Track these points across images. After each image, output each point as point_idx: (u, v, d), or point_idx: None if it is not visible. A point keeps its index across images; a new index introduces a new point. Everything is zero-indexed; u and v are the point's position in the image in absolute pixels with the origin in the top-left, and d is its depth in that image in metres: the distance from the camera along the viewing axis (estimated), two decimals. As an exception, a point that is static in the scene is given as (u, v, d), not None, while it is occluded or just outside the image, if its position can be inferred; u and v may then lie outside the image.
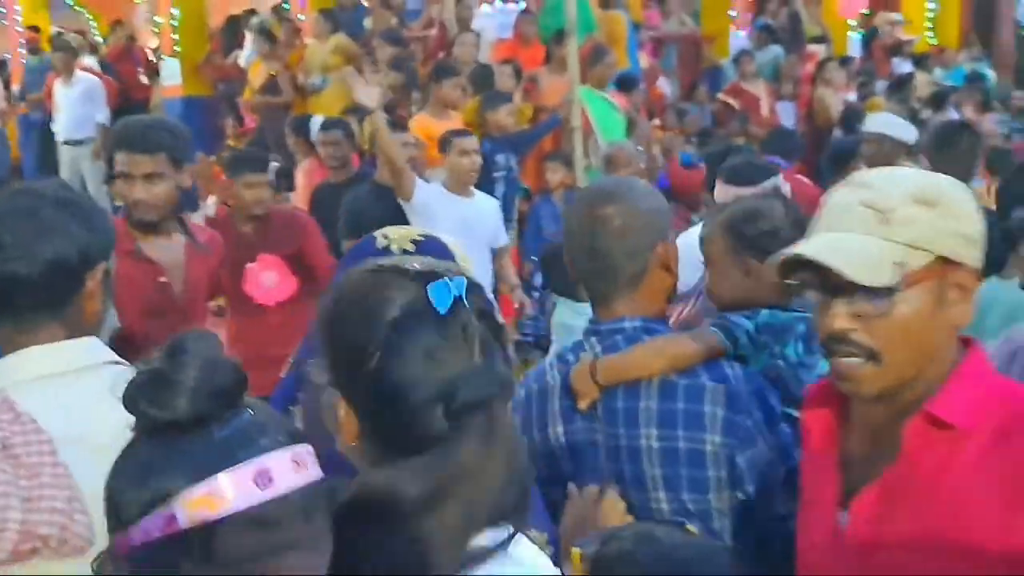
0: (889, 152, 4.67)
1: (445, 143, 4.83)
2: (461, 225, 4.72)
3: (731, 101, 8.64)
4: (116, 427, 1.24)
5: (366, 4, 9.26)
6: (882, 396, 1.29)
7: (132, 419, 0.96)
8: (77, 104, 9.10)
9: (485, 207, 4.98)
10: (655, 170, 7.42)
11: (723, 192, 3.11)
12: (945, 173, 1.37)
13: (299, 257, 3.94)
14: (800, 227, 1.57)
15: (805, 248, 1.28)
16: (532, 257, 5.84)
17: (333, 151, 5.48)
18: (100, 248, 1.49)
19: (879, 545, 1.29)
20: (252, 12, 10.41)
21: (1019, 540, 1.20)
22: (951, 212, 1.27)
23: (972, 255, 1.28)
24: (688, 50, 10.17)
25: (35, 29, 10.93)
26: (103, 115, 9.03)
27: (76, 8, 12.72)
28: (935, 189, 1.29)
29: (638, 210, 1.73)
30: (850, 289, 1.24)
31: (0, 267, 1.41)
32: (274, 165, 6.48)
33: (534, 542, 1.17)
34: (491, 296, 1.19)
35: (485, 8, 8.45)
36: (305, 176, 6.29)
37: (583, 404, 1.73)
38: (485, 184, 5.26)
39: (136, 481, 0.92)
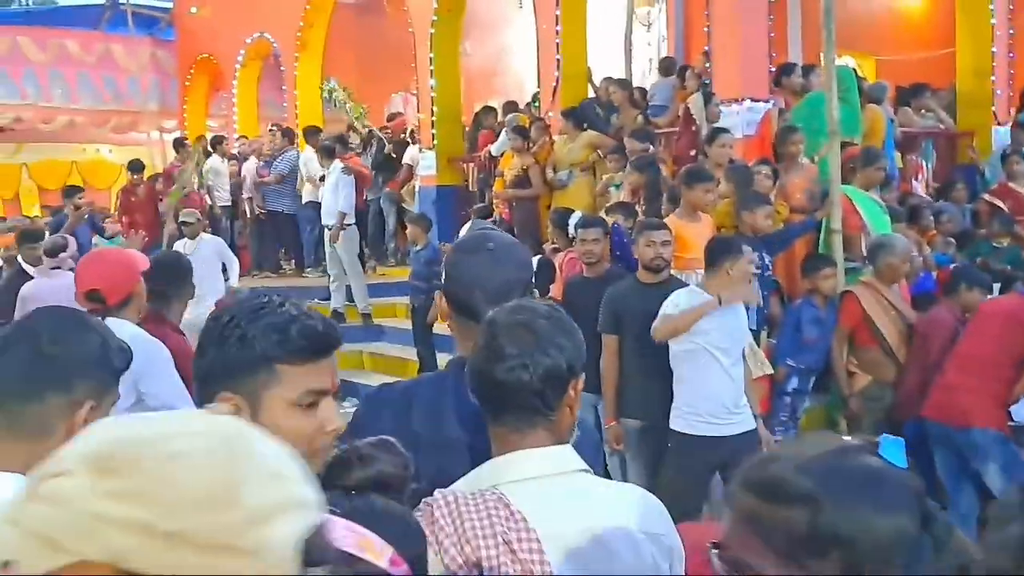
0: None
1: (733, 251, 4.80)
2: (723, 329, 4.70)
3: (997, 202, 8.13)
4: (583, 528, 1.52)
5: (614, 101, 9.50)
6: None
7: (596, 523, 1.30)
8: (329, 192, 9.87)
9: (739, 310, 4.93)
10: (916, 269, 7.12)
11: None
12: None
13: None
14: None
15: None
16: (788, 361, 5.70)
17: (592, 247, 5.63)
18: (581, 361, 1.65)
19: None
20: (511, 105, 11.00)
21: None
22: (147, 485, 0.70)
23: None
24: (943, 146, 9.75)
25: (315, 130, 11.87)
26: (346, 204, 9.68)
27: (338, 102, 13.79)
28: (134, 450, 0.71)
29: None
30: None
31: (506, 374, 1.59)
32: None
33: None
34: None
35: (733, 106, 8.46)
36: (562, 267, 6.50)
37: None
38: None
39: None
